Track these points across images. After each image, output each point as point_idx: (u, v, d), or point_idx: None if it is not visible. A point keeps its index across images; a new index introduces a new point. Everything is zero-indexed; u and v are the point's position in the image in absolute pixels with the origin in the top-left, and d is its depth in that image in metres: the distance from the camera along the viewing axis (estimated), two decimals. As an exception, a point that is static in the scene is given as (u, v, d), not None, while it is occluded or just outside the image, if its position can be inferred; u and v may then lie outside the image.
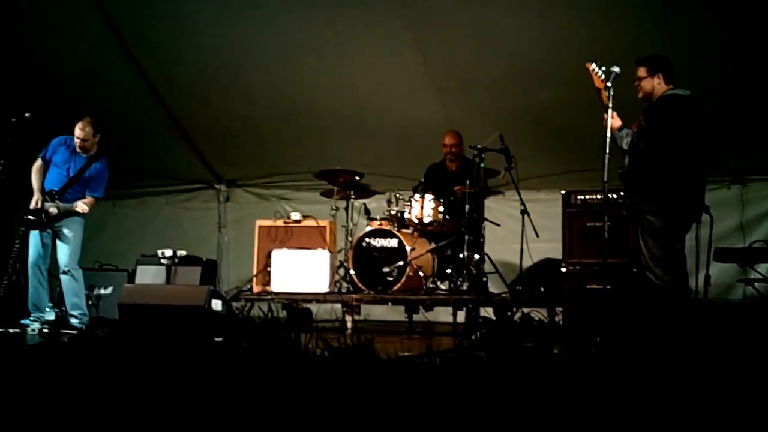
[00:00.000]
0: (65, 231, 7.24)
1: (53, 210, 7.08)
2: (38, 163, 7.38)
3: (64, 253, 7.25)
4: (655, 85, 5.79)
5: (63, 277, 7.27)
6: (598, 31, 7.31)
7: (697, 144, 5.66)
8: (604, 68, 5.72)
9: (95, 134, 7.34)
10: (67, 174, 7.30)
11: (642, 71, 5.82)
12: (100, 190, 7.38)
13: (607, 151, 5.55)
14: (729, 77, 7.50)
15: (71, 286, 7.26)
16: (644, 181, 5.66)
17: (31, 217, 7.12)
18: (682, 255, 5.81)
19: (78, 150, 7.32)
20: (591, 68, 5.76)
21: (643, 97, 5.86)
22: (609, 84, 5.67)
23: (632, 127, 5.78)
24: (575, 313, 7.03)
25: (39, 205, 7.15)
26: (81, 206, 7.07)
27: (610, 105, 5.67)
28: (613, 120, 5.74)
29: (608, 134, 5.62)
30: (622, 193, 6.96)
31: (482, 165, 7.53)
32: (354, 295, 7.82)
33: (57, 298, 7.62)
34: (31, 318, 7.17)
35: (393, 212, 8.24)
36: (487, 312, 7.69)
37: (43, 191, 7.23)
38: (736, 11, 6.89)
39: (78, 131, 7.27)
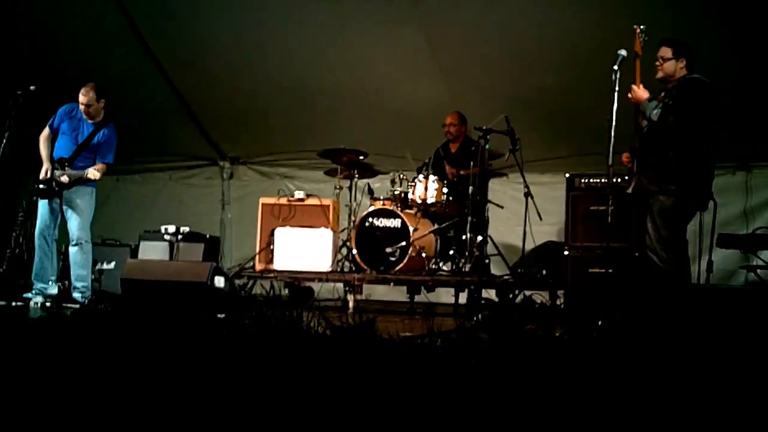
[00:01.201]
0: (77, 201, 7.22)
1: (64, 178, 7.06)
2: (46, 131, 7.35)
3: (74, 224, 7.22)
4: (678, 68, 5.76)
5: (72, 248, 7.23)
6: (606, 15, 7.27)
7: (715, 132, 5.66)
8: (646, 38, 5.70)
9: (99, 99, 7.29)
10: (76, 141, 7.26)
11: (668, 52, 5.78)
12: (109, 155, 7.33)
13: (612, 134, 5.53)
14: (735, 63, 7.47)
15: (79, 257, 7.23)
16: (661, 158, 5.64)
17: (42, 185, 7.11)
18: (684, 239, 5.81)
19: (84, 116, 7.30)
20: (637, 31, 5.74)
21: (662, 77, 5.82)
22: (615, 67, 5.63)
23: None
24: (577, 296, 7.04)
25: (49, 174, 7.14)
26: (92, 173, 7.03)
27: (617, 88, 5.61)
28: (641, 91, 5.71)
29: (613, 116, 5.55)
30: (626, 177, 6.96)
31: (487, 147, 7.52)
32: (356, 275, 7.83)
33: (60, 272, 7.63)
34: (34, 291, 7.15)
35: (396, 192, 8.24)
36: (489, 294, 7.70)
37: (52, 160, 7.20)
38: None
39: (81, 97, 7.24)
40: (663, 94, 5.78)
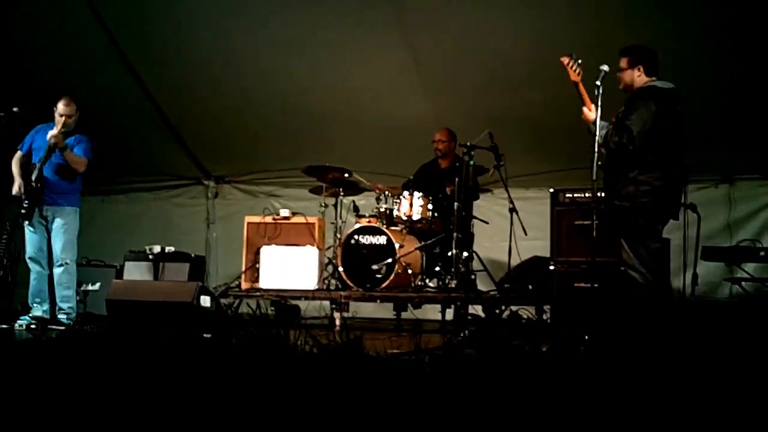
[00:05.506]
0: (61, 221, 7.18)
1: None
2: (18, 154, 7.33)
3: (59, 244, 7.18)
4: (635, 77, 5.74)
5: (57, 269, 7.17)
6: (587, 31, 7.32)
7: (672, 138, 5.63)
8: (580, 61, 5.71)
9: (77, 111, 7.31)
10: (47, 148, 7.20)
11: (623, 62, 5.78)
12: (88, 153, 7.30)
13: (596, 149, 5.55)
14: (719, 76, 7.53)
15: (64, 278, 7.18)
16: (618, 175, 5.66)
17: (25, 204, 7.03)
18: (660, 251, 5.81)
19: (61, 128, 7.19)
20: (565, 62, 5.74)
21: (624, 88, 5.83)
22: (598, 83, 5.63)
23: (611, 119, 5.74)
24: (563, 311, 7.05)
25: (21, 191, 7.10)
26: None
27: (599, 103, 5.63)
28: (589, 112, 5.70)
29: (597, 131, 5.58)
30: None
31: (472, 163, 7.54)
32: (342, 293, 7.82)
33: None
34: (31, 315, 7.10)
35: (382, 209, 8.25)
36: (476, 310, 7.70)
37: (24, 177, 7.15)
38: (729, 11, 6.90)
39: (63, 108, 7.21)
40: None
